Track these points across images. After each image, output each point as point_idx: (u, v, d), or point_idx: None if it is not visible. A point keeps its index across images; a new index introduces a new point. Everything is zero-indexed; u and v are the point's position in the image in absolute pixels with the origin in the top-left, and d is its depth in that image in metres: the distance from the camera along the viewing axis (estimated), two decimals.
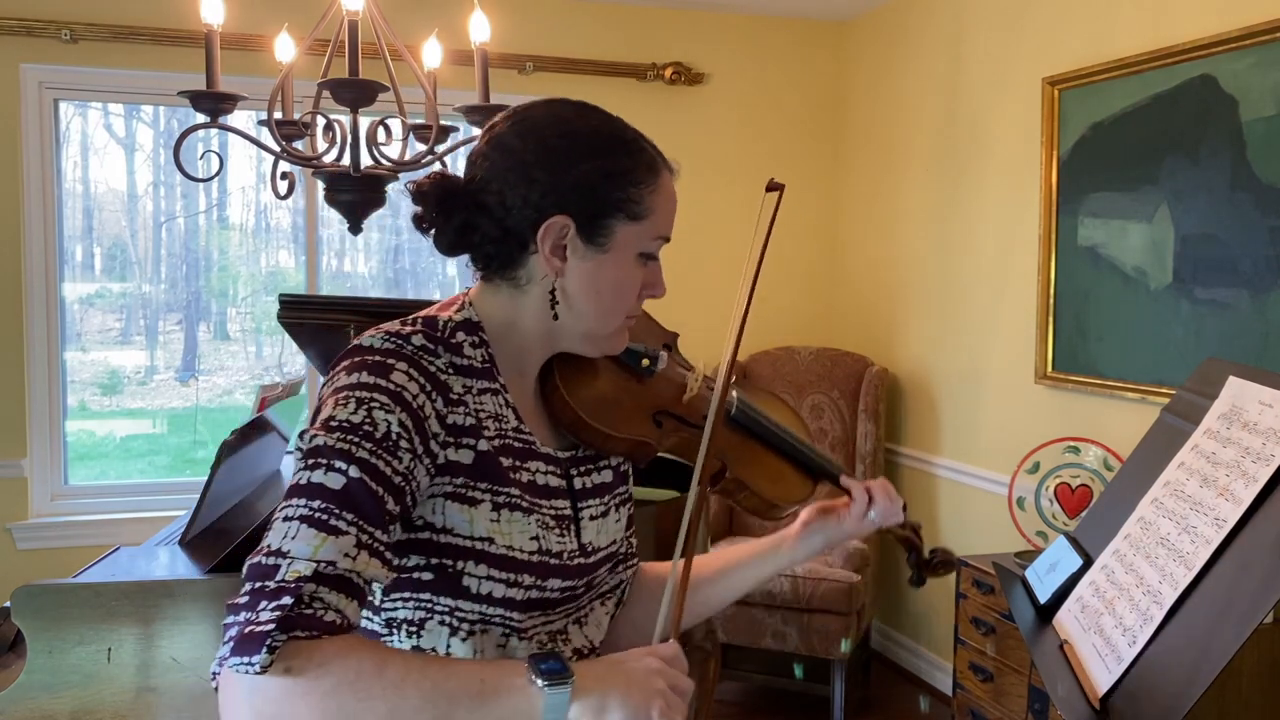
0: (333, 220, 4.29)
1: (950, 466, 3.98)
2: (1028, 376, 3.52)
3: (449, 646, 1.06)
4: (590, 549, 1.16)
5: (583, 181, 1.08)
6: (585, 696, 0.90)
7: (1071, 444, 3.14)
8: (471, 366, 1.08)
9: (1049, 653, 1.32)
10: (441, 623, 1.05)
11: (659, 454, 1.22)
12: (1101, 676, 1.19)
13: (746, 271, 1.19)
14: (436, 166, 2.70)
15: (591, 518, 1.17)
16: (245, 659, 0.84)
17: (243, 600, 0.88)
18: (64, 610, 2.02)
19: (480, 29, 2.46)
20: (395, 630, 1.06)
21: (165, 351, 4.90)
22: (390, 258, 4.92)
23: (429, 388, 1.02)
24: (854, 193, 4.63)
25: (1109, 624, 1.24)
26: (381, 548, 0.95)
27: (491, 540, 1.04)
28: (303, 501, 0.93)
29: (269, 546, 0.91)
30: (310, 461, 0.96)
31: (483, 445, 1.06)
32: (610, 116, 1.14)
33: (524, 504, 1.08)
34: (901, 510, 1.34)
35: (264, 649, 0.84)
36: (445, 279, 4.87)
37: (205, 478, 2.35)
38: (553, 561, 1.09)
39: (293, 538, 0.91)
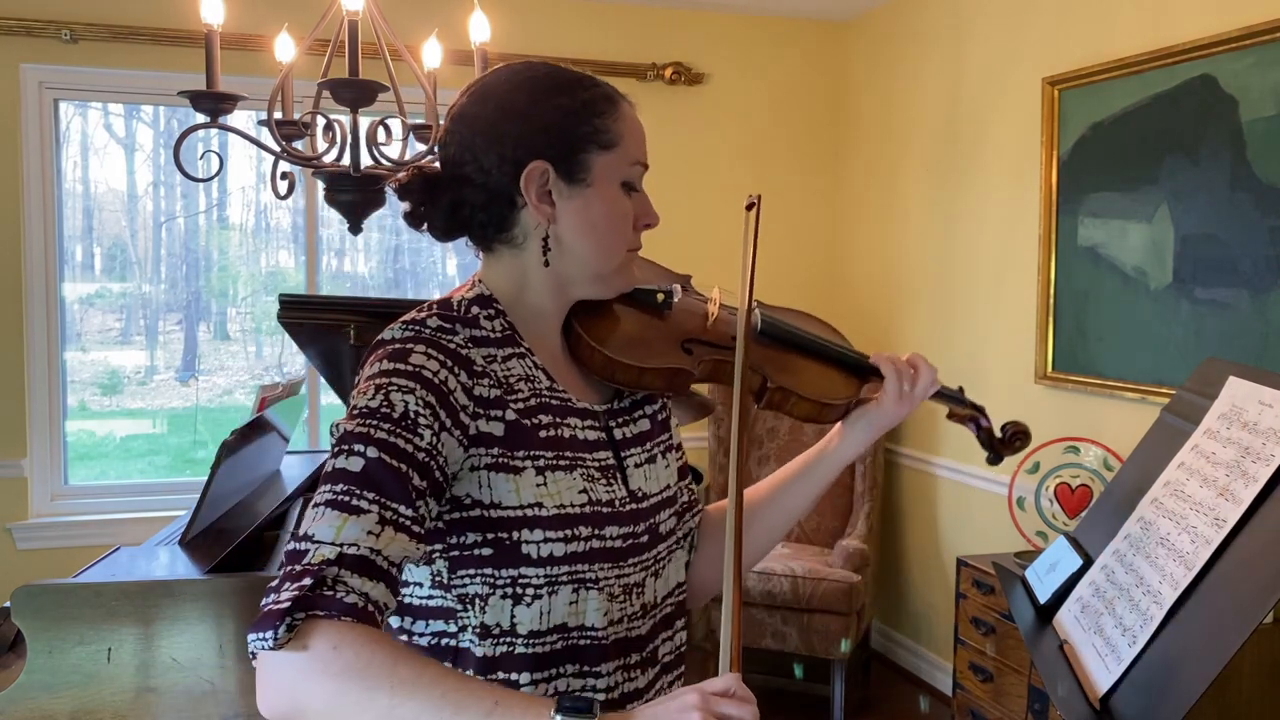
0: (333, 220, 4.29)
1: (950, 466, 3.97)
2: (1028, 376, 3.52)
3: (513, 616, 1.07)
4: (640, 494, 1.17)
5: (548, 124, 1.11)
6: None
7: (1071, 444, 3.14)
8: (489, 337, 1.12)
9: (1049, 653, 1.32)
10: (504, 595, 1.07)
11: (697, 381, 1.22)
12: (1101, 676, 1.19)
13: (742, 283, 1.21)
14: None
15: (636, 465, 1.19)
16: (260, 634, 0.88)
17: (273, 584, 0.92)
18: (64, 610, 2.02)
19: (480, 29, 2.46)
20: (469, 606, 1.07)
21: (165, 351, 4.90)
22: (390, 258, 4.92)
23: (449, 363, 1.05)
24: (854, 193, 4.63)
25: (1109, 624, 1.24)
26: (407, 522, 0.98)
27: (541, 505, 1.06)
28: (328, 487, 0.98)
29: (299, 532, 0.96)
30: (335, 449, 1.01)
31: (510, 415, 1.08)
32: (557, 65, 1.18)
33: (565, 461, 1.10)
34: (936, 376, 1.32)
35: (279, 626, 0.87)
36: (445, 278, 4.87)
37: (205, 478, 2.35)
38: (605, 510, 1.11)
39: (318, 520, 0.95)
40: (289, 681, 0.88)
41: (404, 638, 1.10)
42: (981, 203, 3.78)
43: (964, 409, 1.41)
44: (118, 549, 2.35)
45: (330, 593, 0.90)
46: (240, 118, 3.69)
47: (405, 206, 1.16)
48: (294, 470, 3.07)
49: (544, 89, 1.13)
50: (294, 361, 4.77)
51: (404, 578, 1.08)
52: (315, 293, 4.23)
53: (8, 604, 2.04)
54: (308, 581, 0.90)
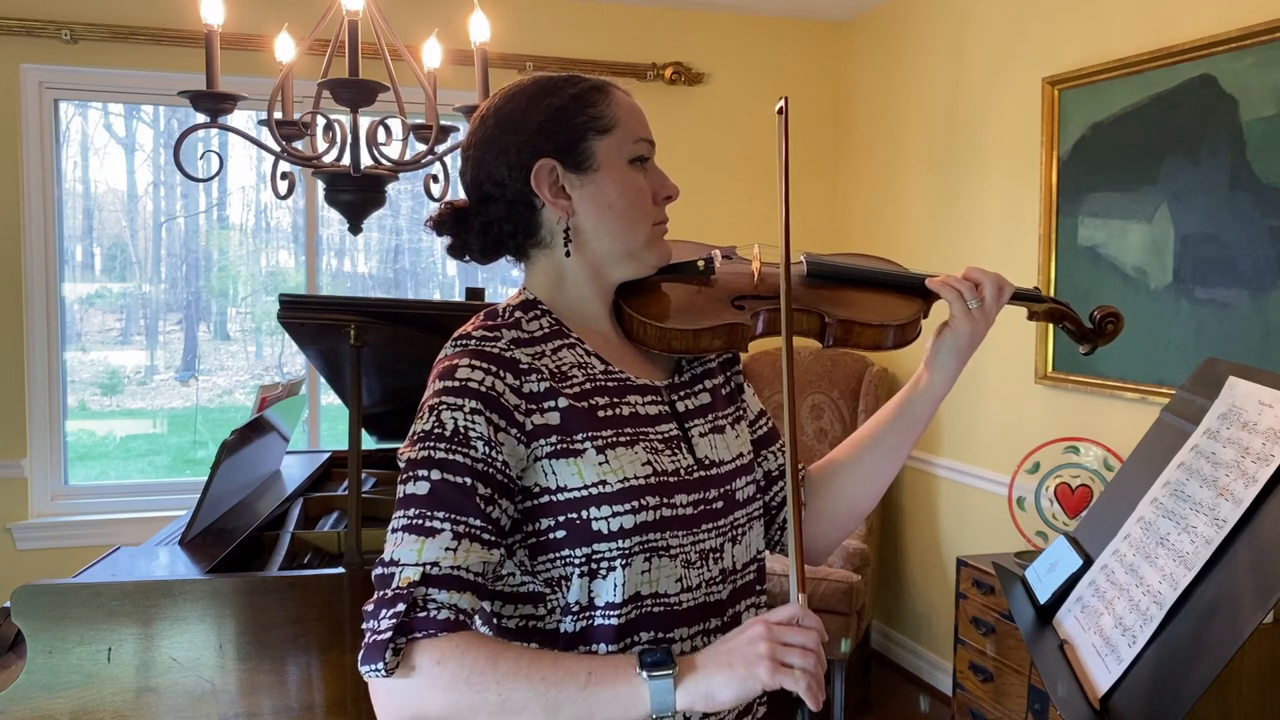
0: (333, 220, 4.29)
1: (950, 466, 3.98)
2: (1028, 376, 3.52)
3: (591, 591, 1.11)
4: (709, 462, 1.20)
5: (543, 124, 1.17)
6: (688, 682, 0.98)
7: (1071, 444, 3.14)
8: (534, 336, 1.17)
9: (1049, 653, 1.32)
10: (582, 573, 1.11)
11: (758, 335, 1.24)
12: (1101, 676, 1.19)
13: (781, 183, 1.20)
14: (436, 168, 2.70)
15: (701, 434, 1.22)
16: (373, 666, 0.99)
17: (370, 608, 1.02)
18: (64, 610, 2.02)
19: (480, 29, 2.46)
20: (556, 588, 1.12)
21: (165, 351, 4.90)
22: (390, 258, 4.92)
23: (494, 368, 1.11)
24: (854, 193, 4.63)
25: (1109, 624, 1.24)
26: (478, 530, 1.05)
27: (605, 482, 1.11)
28: (402, 512, 1.06)
29: (384, 558, 1.04)
30: (403, 476, 1.08)
31: (564, 402, 1.13)
32: (547, 74, 1.23)
33: (625, 437, 1.14)
34: (997, 282, 1.26)
35: (387, 653, 0.98)
36: (445, 279, 4.87)
37: (205, 478, 2.35)
38: (671, 479, 1.15)
39: (399, 545, 1.04)
40: (405, 702, 0.99)
41: (494, 620, 1.16)
42: (981, 202, 3.78)
43: (1043, 306, 1.36)
44: (118, 549, 2.35)
45: (424, 613, 1.00)
46: (240, 118, 3.69)
47: (446, 241, 1.23)
48: (294, 470, 3.08)
49: (532, 95, 1.19)
50: (294, 361, 4.77)
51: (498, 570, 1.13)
52: (315, 293, 4.23)
53: (8, 604, 2.04)
54: (401, 607, 0.99)
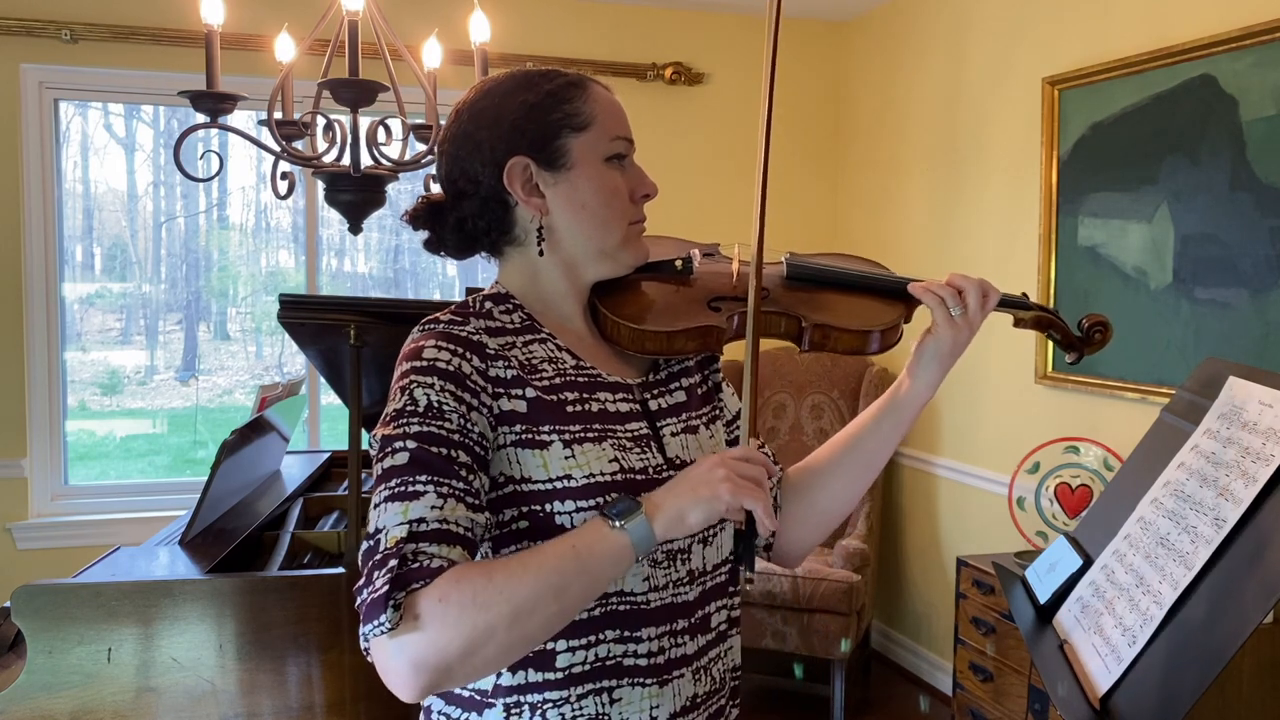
0: (333, 220, 4.29)
1: (950, 466, 3.97)
2: (1028, 376, 3.52)
3: None
4: (679, 462, 1.19)
5: (518, 120, 1.16)
6: (660, 515, 1.02)
7: (1071, 444, 3.14)
8: (505, 328, 1.16)
9: (1049, 653, 1.32)
10: None
11: (732, 338, 1.23)
12: (1101, 676, 1.19)
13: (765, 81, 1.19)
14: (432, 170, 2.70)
15: (673, 434, 1.21)
16: (375, 623, 0.95)
17: (361, 580, 0.99)
18: (64, 610, 2.02)
19: (480, 29, 2.46)
20: None
21: (165, 351, 4.91)
22: (390, 258, 4.93)
23: (460, 350, 1.10)
24: (854, 193, 4.63)
25: (1109, 624, 1.24)
26: (462, 493, 1.03)
27: (570, 476, 1.10)
28: (382, 485, 1.04)
29: (368, 530, 1.02)
30: (380, 453, 1.06)
31: (532, 392, 1.12)
32: (525, 69, 1.22)
33: (594, 433, 1.13)
34: (981, 289, 1.23)
35: (388, 609, 0.95)
36: (445, 279, 4.87)
37: (205, 478, 2.35)
38: (639, 477, 1.13)
39: (383, 514, 1.02)
40: (422, 656, 0.95)
41: None
42: (982, 202, 3.78)
43: (1029, 314, 1.34)
44: (118, 549, 2.35)
45: (417, 565, 0.97)
46: (240, 118, 3.69)
47: (422, 236, 1.23)
48: (294, 470, 3.08)
49: (508, 90, 1.18)
50: (294, 361, 4.78)
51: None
52: (315, 293, 4.22)
53: (8, 604, 2.04)
54: (393, 563, 0.97)
